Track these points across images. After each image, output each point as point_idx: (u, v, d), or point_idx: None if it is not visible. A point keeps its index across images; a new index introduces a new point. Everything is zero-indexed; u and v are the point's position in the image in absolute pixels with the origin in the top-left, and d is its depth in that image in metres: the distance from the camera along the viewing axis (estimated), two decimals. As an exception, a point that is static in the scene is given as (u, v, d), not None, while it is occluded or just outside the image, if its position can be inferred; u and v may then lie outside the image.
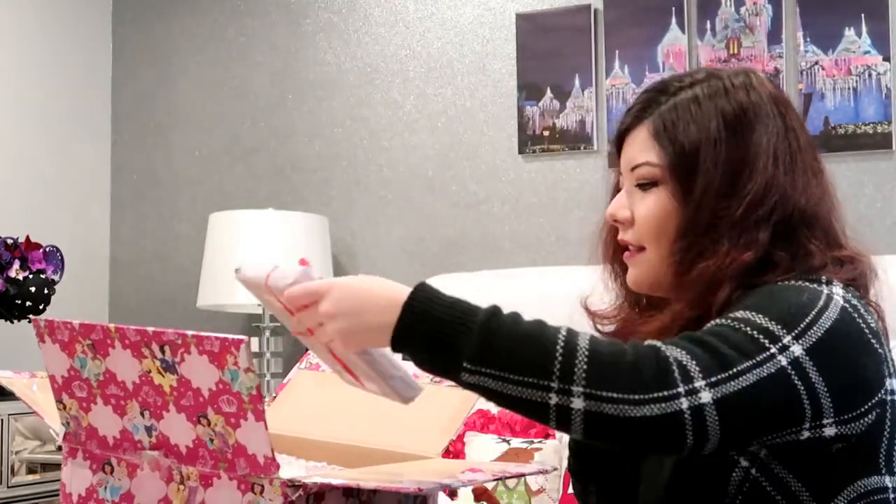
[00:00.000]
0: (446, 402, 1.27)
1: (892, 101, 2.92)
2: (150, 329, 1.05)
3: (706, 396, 1.01)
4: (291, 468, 1.18)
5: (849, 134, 2.93)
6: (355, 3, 3.62)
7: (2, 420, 2.95)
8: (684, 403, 1.01)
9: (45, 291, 3.10)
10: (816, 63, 2.99)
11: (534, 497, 2.50)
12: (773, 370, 1.05)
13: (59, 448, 1.19)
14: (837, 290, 1.16)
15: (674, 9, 3.15)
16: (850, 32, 2.96)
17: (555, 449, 2.56)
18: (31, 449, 3.07)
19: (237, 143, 3.77)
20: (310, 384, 1.40)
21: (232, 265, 3.84)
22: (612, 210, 1.31)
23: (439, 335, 1.04)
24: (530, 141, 3.33)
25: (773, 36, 3.05)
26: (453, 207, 3.43)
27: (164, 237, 3.86)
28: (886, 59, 2.93)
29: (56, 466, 2.99)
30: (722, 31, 3.11)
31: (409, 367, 1.09)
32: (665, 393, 1.01)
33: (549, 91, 3.30)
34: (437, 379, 1.13)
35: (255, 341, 3.24)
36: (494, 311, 1.06)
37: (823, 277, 1.18)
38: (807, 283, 1.16)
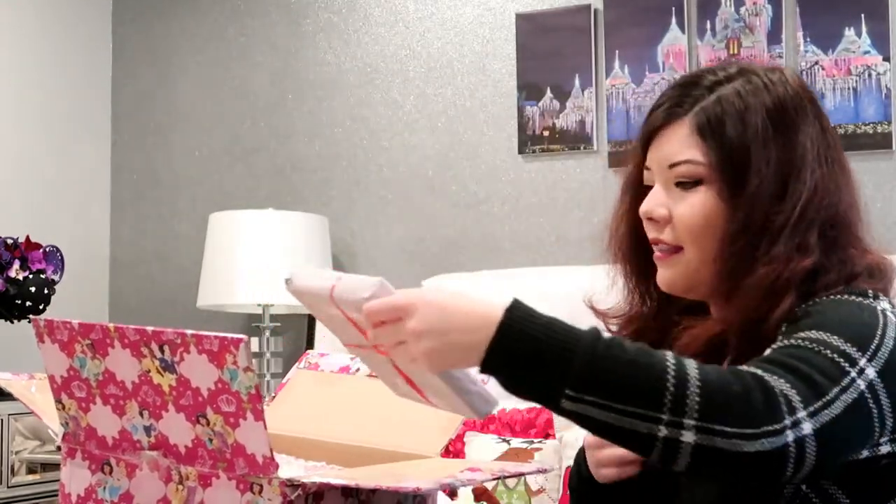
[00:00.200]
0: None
1: (892, 101, 2.92)
2: (150, 328, 1.05)
3: (807, 427, 0.98)
4: (290, 468, 1.18)
5: (849, 134, 2.93)
6: (355, 3, 3.62)
7: (2, 420, 2.95)
8: (790, 436, 0.97)
9: (45, 291, 3.11)
10: (816, 63, 2.99)
11: (534, 497, 2.51)
12: (855, 395, 1.03)
13: (59, 448, 1.19)
14: (886, 306, 1.15)
15: (674, 9, 3.15)
16: (850, 32, 2.96)
17: (555, 449, 2.56)
18: (31, 449, 3.07)
19: (237, 143, 3.77)
20: (309, 384, 1.40)
21: (232, 265, 3.81)
22: (647, 207, 1.24)
23: (539, 358, 0.97)
24: (530, 141, 3.33)
25: (773, 36, 3.05)
26: (453, 207, 3.43)
27: (164, 237, 3.86)
28: (886, 59, 2.93)
29: (56, 466, 2.99)
30: (722, 31, 3.11)
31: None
32: (776, 426, 0.97)
33: (549, 91, 3.30)
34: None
35: (254, 341, 3.24)
36: (597, 333, 0.99)
37: (870, 292, 1.16)
38: (859, 299, 1.14)
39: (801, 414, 0.98)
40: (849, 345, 1.05)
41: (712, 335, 1.18)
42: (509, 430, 2.66)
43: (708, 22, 3.13)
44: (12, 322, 3.10)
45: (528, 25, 3.34)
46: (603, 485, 1.29)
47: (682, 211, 1.22)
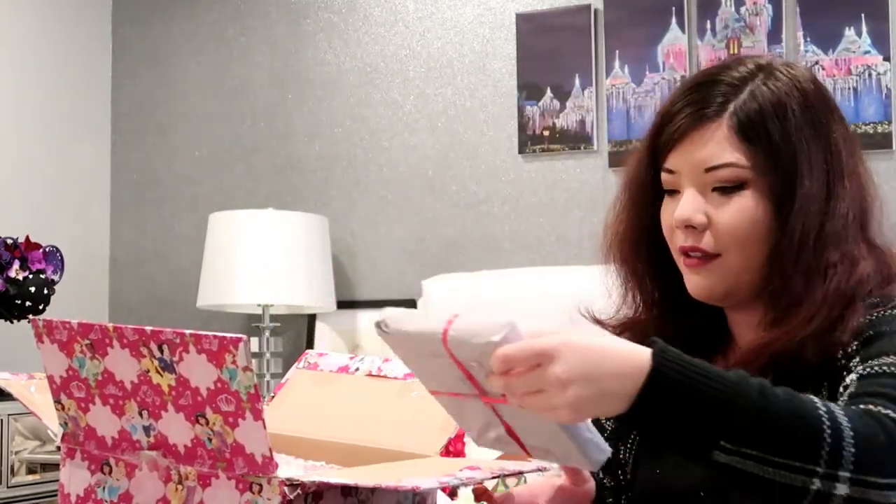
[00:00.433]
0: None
1: (892, 100, 2.92)
2: (149, 328, 1.05)
3: None
4: (290, 467, 1.18)
5: (849, 134, 2.93)
6: (355, 3, 3.62)
7: (2, 420, 2.95)
8: None
9: (45, 291, 3.10)
10: (816, 63, 2.98)
11: (534, 497, 2.50)
12: None
13: (59, 448, 1.19)
14: None
15: (674, 9, 3.15)
16: (850, 32, 2.96)
17: (555, 449, 2.56)
18: (31, 449, 3.07)
19: (237, 143, 3.77)
20: (308, 384, 1.40)
21: (232, 265, 3.80)
22: (685, 214, 1.18)
23: (697, 409, 0.91)
24: (530, 141, 3.32)
25: (773, 36, 3.04)
26: (453, 207, 3.43)
27: (164, 237, 3.86)
28: (886, 59, 2.93)
29: (55, 466, 2.98)
30: (722, 30, 3.11)
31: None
32: None
33: (549, 91, 3.30)
34: None
35: (254, 341, 3.24)
36: (751, 380, 0.93)
37: None
38: None
39: None
40: None
41: (777, 347, 1.14)
42: (509, 430, 2.66)
43: (708, 22, 3.12)
44: (12, 322, 3.09)
45: (528, 25, 3.34)
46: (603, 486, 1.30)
47: (724, 218, 1.17)
